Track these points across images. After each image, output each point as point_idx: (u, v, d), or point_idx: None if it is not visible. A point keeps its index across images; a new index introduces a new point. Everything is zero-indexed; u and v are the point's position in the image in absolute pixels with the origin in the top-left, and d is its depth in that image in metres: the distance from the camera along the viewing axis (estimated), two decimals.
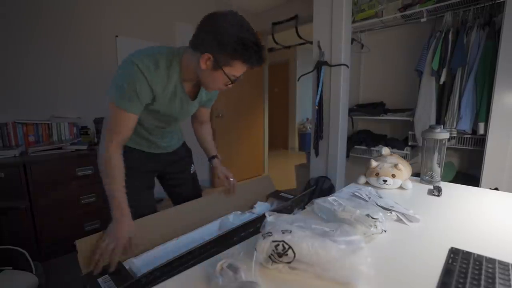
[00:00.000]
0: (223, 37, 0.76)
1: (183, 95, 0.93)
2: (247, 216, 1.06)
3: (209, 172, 3.33)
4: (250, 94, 3.63)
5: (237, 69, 0.82)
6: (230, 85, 0.88)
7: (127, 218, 0.78)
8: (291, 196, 1.20)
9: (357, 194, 0.88)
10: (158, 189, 1.19)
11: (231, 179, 1.14)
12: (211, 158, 1.21)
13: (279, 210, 0.86)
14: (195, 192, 1.24)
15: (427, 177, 1.07)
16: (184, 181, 1.23)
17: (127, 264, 0.72)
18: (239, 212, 1.08)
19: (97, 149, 0.83)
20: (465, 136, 1.84)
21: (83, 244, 0.72)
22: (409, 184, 1.01)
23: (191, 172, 1.25)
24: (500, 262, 0.52)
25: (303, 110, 5.78)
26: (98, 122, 2.13)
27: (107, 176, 0.79)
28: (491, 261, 0.53)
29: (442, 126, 1.04)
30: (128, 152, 1.00)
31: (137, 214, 0.85)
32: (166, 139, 1.12)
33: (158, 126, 1.03)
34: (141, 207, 0.96)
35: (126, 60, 0.81)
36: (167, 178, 1.20)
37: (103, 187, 0.80)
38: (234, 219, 1.03)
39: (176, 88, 0.90)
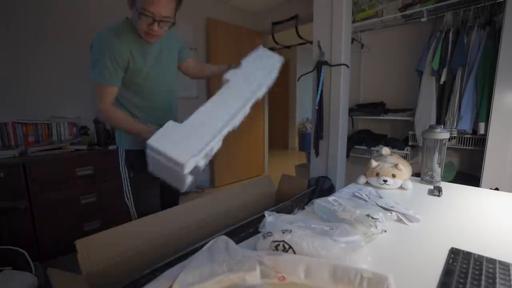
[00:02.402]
0: None
1: (148, 49, 1.02)
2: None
3: (210, 172, 3.33)
4: None
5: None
6: (151, 27, 0.92)
7: (146, 129, 0.95)
8: None
9: (357, 194, 0.88)
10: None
11: None
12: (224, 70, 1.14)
13: (279, 210, 0.86)
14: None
15: (427, 177, 1.07)
16: None
17: None
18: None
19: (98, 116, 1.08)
20: (466, 136, 1.84)
21: (83, 244, 0.72)
22: (409, 184, 1.01)
23: None
24: (501, 263, 0.52)
25: (303, 110, 5.78)
26: (98, 122, 2.13)
27: (115, 120, 0.98)
28: (492, 261, 0.53)
29: (442, 126, 1.04)
30: (134, 155, 1.10)
31: (143, 206, 0.95)
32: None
33: (154, 97, 1.12)
34: (149, 200, 1.08)
35: (94, 43, 0.97)
36: None
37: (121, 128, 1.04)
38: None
39: (141, 45, 1.00)
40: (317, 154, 2.21)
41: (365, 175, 1.08)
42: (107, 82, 0.93)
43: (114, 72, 0.94)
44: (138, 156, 1.05)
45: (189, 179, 0.79)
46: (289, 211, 1.07)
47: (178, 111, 1.28)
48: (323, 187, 2.08)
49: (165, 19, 0.92)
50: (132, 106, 1.09)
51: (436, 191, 0.95)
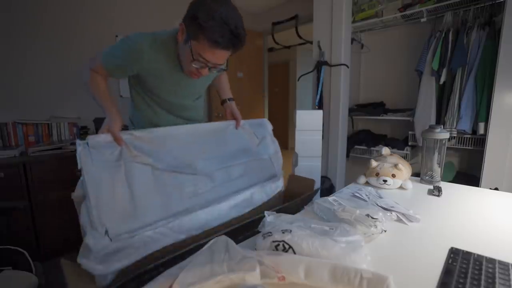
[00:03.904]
0: (200, 11, 0.77)
1: (181, 71, 0.96)
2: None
3: None
4: (250, 94, 3.63)
5: (203, 48, 0.80)
6: (200, 69, 0.87)
7: (116, 114, 0.86)
8: None
9: (357, 194, 0.88)
10: None
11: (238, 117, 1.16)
12: (223, 101, 1.17)
13: (287, 209, 0.84)
14: None
15: (427, 177, 1.07)
16: None
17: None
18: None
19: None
20: (465, 136, 1.84)
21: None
22: (409, 184, 1.01)
23: None
24: (500, 262, 0.52)
25: None
26: (98, 122, 2.13)
27: (94, 89, 0.91)
28: (491, 261, 0.53)
29: (442, 126, 1.04)
30: None
31: None
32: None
33: (172, 105, 1.07)
34: None
35: (129, 36, 0.88)
36: None
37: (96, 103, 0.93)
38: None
39: (175, 64, 0.94)
40: None
41: (365, 175, 1.08)
42: (110, 73, 0.92)
43: (122, 71, 0.92)
44: None
45: None
46: (297, 210, 1.05)
47: (202, 107, 1.22)
48: (323, 187, 2.08)
49: (218, 66, 0.87)
50: (149, 98, 1.05)
51: (436, 191, 0.95)
